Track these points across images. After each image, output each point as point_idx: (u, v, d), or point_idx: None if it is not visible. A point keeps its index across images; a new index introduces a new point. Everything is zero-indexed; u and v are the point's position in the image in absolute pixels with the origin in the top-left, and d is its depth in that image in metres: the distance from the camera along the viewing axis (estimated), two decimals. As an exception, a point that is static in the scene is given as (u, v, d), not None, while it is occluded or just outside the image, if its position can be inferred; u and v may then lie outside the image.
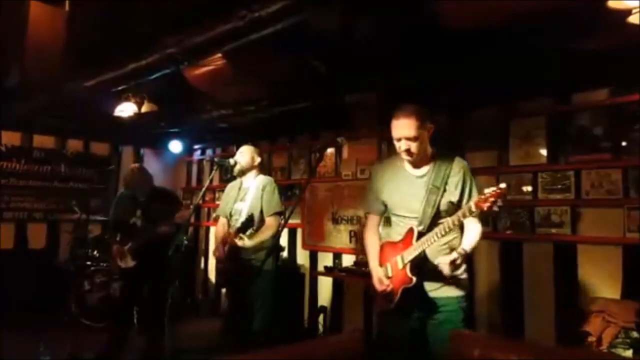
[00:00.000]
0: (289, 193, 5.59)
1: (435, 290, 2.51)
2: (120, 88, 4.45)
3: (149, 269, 4.08)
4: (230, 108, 5.06)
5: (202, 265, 6.92)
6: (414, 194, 2.53)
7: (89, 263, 5.52)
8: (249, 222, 3.37)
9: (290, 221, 4.34)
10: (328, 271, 4.91)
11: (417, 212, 2.50)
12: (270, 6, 2.83)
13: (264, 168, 3.98)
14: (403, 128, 2.44)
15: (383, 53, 3.81)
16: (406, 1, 3.25)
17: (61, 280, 5.50)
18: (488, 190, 2.16)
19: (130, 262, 4.15)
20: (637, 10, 2.38)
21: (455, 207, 2.47)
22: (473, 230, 2.48)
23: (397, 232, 2.60)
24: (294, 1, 2.78)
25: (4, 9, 3.60)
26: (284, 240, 5.56)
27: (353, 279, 4.71)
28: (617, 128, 3.50)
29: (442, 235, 2.35)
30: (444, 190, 2.48)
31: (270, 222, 3.53)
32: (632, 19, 2.44)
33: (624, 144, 3.47)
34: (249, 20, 2.96)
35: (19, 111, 5.15)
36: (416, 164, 2.57)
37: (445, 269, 2.38)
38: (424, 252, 2.43)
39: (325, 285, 5.26)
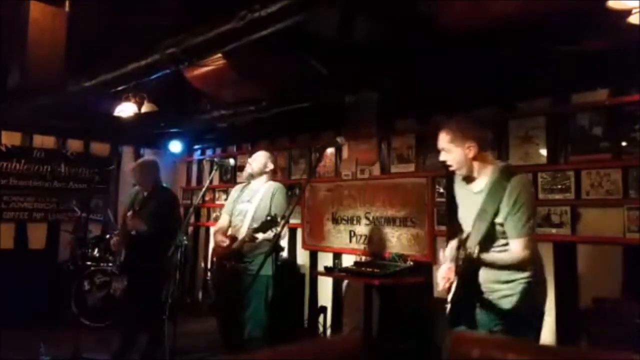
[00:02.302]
0: (289, 193, 5.59)
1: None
2: (120, 88, 4.45)
3: (138, 262, 4.05)
4: (230, 108, 5.06)
5: (202, 265, 6.92)
6: (471, 211, 2.41)
7: (89, 263, 5.52)
8: (271, 223, 3.20)
9: (290, 221, 4.33)
10: (328, 271, 4.91)
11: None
12: (270, 6, 2.84)
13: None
14: (439, 139, 2.49)
15: (383, 53, 3.81)
16: (407, 2, 3.26)
17: (61, 280, 5.50)
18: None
19: (123, 256, 4.17)
20: (637, 10, 2.38)
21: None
22: (505, 254, 2.32)
23: None
24: (294, 1, 2.78)
25: (5, 10, 3.60)
26: (284, 241, 5.56)
27: (353, 279, 4.70)
28: (616, 128, 3.49)
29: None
30: (495, 214, 2.29)
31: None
32: (632, 19, 2.44)
33: (623, 144, 3.46)
34: (249, 21, 2.96)
35: (19, 111, 5.15)
36: (468, 179, 2.49)
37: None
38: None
39: (325, 286, 5.26)
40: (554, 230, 3.69)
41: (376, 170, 4.96)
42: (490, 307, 2.35)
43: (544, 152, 3.83)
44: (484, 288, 2.37)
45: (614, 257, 3.42)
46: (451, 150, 2.44)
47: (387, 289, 4.25)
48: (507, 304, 2.32)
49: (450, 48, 3.35)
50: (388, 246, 4.72)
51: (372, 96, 4.63)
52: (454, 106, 4.30)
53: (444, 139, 2.46)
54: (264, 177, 3.71)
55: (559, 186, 3.69)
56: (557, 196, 3.70)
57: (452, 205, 2.72)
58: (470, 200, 2.45)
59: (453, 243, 2.44)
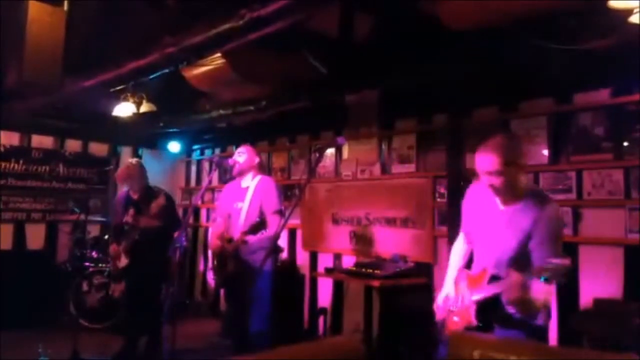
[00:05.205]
0: (289, 193, 5.57)
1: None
2: (119, 88, 4.43)
3: (142, 267, 4.06)
4: (230, 108, 5.04)
5: (201, 266, 6.89)
6: (497, 231, 2.28)
7: (87, 264, 5.49)
8: (260, 225, 3.31)
9: (290, 222, 4.30)
10: (328, 272, 4.89)
11: (496, 251, 2.28)
12: (270, 5, 2.82)
13: (263, 168, 3.94)
14: (483, 162, 2.24)
15: (383, 53, 3.79)
16: (408, 0, 3.24)
17: (60, 281, 5.47)
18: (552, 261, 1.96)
19: (124, 262, 4.15)
20: (638, 10, 2.37)
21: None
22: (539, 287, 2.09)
23: (475, 264, 2.42)
24: (293, 0, 2.76)
25: (3, 9, 3.58)
26: (283, 241, 5.53)
27: (353, 281, 4.68)
28: (618, 128, 3.48)
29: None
30: (529, 237, 2.18)
31: (271, 221, 3.50)
32: (633, 19, 2.43)
33: (625, 143, 3.45)
34: (249, 20, 2.94)
35: (17, 111, 5.13)
36: (506, 200, 2.29)
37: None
38: (495, 296, 2.20)
39: (325, 287, 5.24)
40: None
41: (377, 170, 4.94)
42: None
43: (545, 152, 3.81)
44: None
45: (615, 258, 3.40)
46: (501, 171, 2.18)
47: (388, 291, 4.22)
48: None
49: (452, 46, 3.34)
50: (389, 247, 4.69)
51: (372, 96, 4.61)
52: (455, 106, 4.30)
53: (495, 162, 2.18)
54: (252, 172, 3.70)
55: (561, 186, 3.67)
56: (559, 196, 3.67)
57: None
58: (498, 220, 2.30)
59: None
